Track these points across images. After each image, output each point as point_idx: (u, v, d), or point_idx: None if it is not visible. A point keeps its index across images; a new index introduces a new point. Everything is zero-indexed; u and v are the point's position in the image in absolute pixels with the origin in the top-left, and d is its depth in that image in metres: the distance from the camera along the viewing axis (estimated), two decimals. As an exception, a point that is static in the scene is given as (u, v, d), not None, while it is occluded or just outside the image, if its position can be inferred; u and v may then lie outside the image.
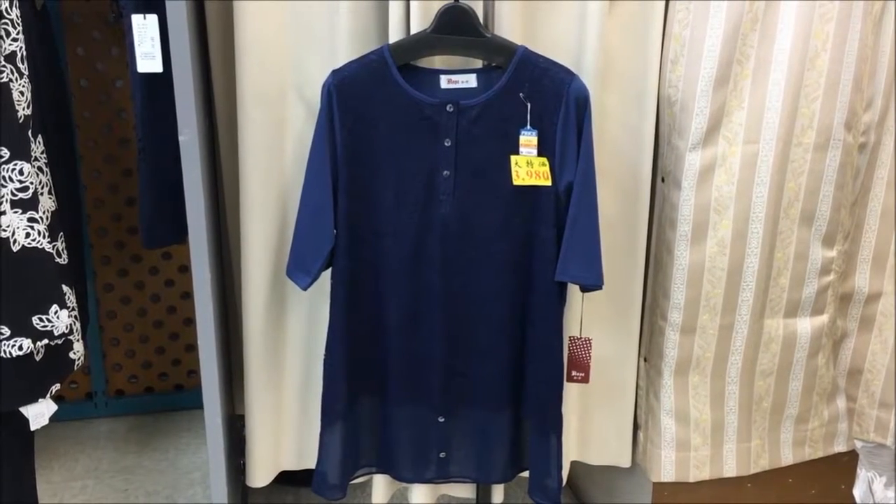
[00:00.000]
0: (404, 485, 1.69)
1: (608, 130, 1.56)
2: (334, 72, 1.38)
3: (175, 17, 1.28)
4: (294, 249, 1.44)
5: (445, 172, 1.40)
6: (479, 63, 1.45)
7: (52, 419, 1.43)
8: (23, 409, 1.39)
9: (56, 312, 1.35)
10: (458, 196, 1.41)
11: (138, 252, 2.44)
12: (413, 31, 1.41)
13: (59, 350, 1.41)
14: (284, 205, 1.52)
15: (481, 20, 1.40)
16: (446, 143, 1.39)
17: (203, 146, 1.41)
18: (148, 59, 1.41)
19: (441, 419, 1.54)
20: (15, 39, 1.29)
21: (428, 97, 1.38)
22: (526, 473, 1.59)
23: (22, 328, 1.32)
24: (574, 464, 1.78)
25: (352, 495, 2.04)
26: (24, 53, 1.31)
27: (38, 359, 1.38)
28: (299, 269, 1.43)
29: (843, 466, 1.83)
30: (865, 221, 1.69)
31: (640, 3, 1.50)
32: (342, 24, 1.44)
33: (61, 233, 1.45)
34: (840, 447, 1.80)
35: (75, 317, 1.45)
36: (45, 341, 1.35)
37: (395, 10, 1.41)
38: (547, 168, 1.40)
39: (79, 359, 1.46)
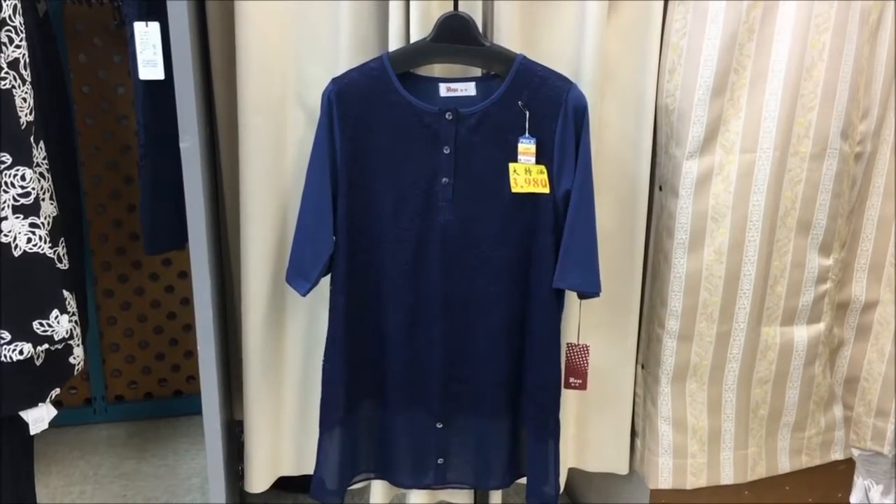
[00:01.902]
0: (402, 490, 1.70)
1: (606, 139, 1.57)
2: (334, 80, 1.39)
3: (177, 25, 1.29)
4: (293, 256, 1.45)
5: (444, 180, 1.41)
6: (478, 71, 1.46)
7: (51, 424, 1.43)
8: (23, 414, 1.39)
9: (56, 317, 1.36)
10: (457, 203, 1.42)
11: (138, 258, 2.45)
12: (413, 39, 1.42)
13: (59, 355, 1.42)
14: (284, 211, 1.53)
15: (480, 29, 1.41)
16: (445, 151, 1.40)
17: (204, 153, 1.42)
18: (150, 67, 1.42)
19: (439, 425, 1.54)
20: (18, 46, 1.30)
21: (427, 105, 1.39)
22: (524, 480, 1.59)
23: (22, 333, 1.33)
24: (572, 471, 1.79)
25: (350, 501, 2.05)
26: (27, 60, 1.32)
27: (38, 363, 1.38)
28: (299, 275, 1.44)
29: (840, 474, 1.83)
30: (862, 230, 1.70)
31: (638, 13, 1.51)
32: (342, 32, 1.45)
33: (62, 238, 1.45)
34: (837, 455, 1.80)
35: (75, 322, 1.46)
36: (46, 346, 1.36)
37: (395, 19, 1.43)
38: (545, 176, 1.41)
39: (78, 364, 1.47)
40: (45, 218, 1.36)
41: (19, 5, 1.30)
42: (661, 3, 1.51)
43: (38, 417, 1.41)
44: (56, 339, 1.36)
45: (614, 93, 1.55)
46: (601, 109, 1.53)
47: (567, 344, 1.57)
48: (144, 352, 2.54)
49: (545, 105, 1.39)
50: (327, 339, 1.47)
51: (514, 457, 1.59)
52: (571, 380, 1.57)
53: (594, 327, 1.64)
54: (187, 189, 1.36)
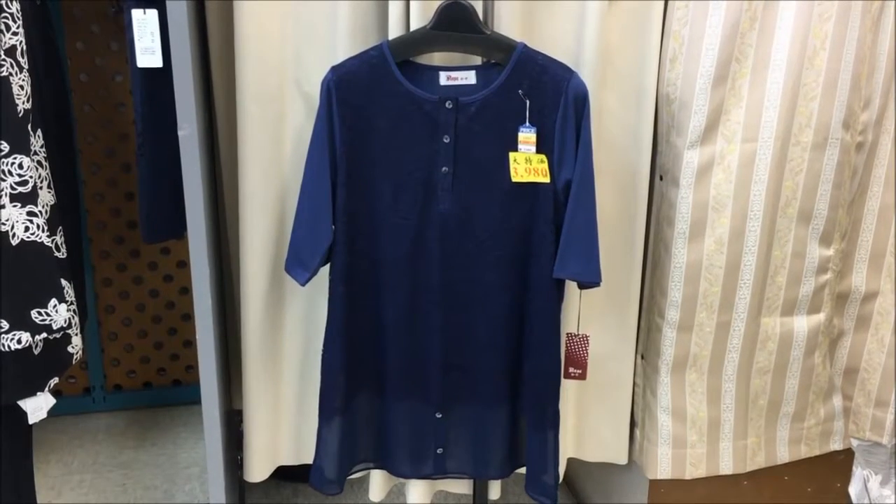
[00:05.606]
0: (401, 480, 1.70)
1: (607, 128, 1.56)
2: (334, 68, 1.38)
3: (175, 12, 1.28)
4: (292, 245, 1.44)
5: (444, 168, 1.41)
6: (478, 60, 1.45)
7: (50, 413, 1.43)
8: (21, 403, 1.39)
9: (55, 306, 1.36)
10: (456, 192, 1.42)
11: (137, 247, 2.44)
12: (413, 27, 1.41)
13: (57, 344, 1.42)
14: (283, 200, 1.52)
15: (481, 18, 1.40)
16: (445, 140, 1.40)
17: (202, 141, 1.41)
18: (148, 54, 1.41)
19: (438, 415, 1.54)
20: (15, 33, 1.29)
21: (427, 93, 1.39)
22: (523, 470, 1.60)
23: (21, 322, 1.33)
24: (571, 461, 1.79)
25: (349, 491, 2.05)
26: (24, 47, 1.31)
27: (36, 352, 1.38)
28: (297, 264, 1.43)
29: (838, 465, 1.84)
30: (863, 220, 1.69)
31: (639, 2, 1.50)
32: (342, 19, 1.44)
33: (60, 227, 1.45)
34: (836, 445, 1.80)
35: (74, 311, 1.46)
36: (44, 335, 1.36)
37: (394, 7, 1.42)
38: (545, 165, 1.40)
39: (77, 353, 1.47)
40: (43, 206, 1.36)
41: (16, -8, 1.29)
42: (663, -9, 1.50)
43: (37, 406, 1.41)
44: (54, 328, 1.36)
45: (615, 82, 1.54)
46: (602, 98, 1.52)
47: (567, 334, 1.56)
48: (143, 341, 2.53)
49: (546, 94, 1.38)
50: (326, 328, 1.47)
51: (513, 446, 1.59)
52: (571, 370, 1.57)
53: (594, 317, 1.63)
54: (186, 178, 1.35)
